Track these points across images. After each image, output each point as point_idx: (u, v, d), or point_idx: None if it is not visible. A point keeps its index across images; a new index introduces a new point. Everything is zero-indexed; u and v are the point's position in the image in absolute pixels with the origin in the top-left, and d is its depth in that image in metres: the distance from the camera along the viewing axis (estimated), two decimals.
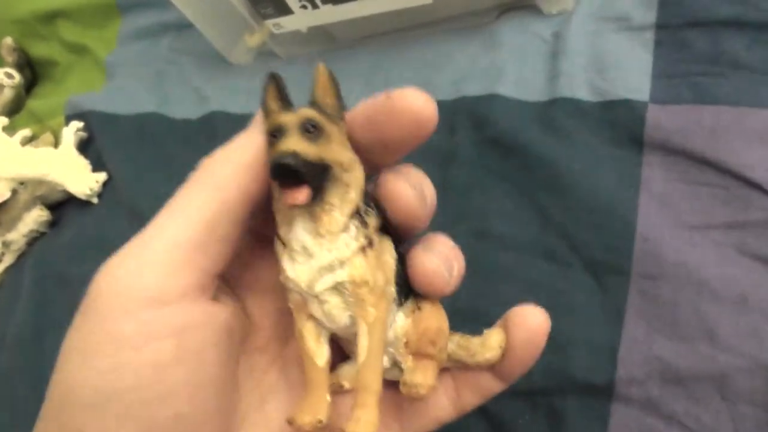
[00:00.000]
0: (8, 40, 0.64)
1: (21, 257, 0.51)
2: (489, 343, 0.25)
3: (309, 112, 0.21)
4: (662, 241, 0.31)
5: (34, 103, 0.63)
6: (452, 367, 0.25)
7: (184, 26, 0.57)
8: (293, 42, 0.49)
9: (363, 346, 0.21)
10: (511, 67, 0.40)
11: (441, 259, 0.22)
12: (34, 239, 0.51)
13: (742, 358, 0.28)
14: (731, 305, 0.29)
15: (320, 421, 0.21)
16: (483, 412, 0.32)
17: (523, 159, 0.36)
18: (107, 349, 0.18)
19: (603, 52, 0.37)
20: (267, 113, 0.22)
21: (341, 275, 0.21)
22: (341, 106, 0.22)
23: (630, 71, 0.36)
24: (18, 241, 0.50)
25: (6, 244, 0.50)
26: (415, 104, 0.20)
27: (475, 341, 0.25)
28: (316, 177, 0.20)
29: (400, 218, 0.22)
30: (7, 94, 0.61)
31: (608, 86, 0.36)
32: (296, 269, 0.21)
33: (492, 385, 0.25)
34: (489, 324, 0.33)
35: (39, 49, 0.67)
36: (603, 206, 0.33)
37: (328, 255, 0.21)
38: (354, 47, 0.48)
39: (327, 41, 0.49)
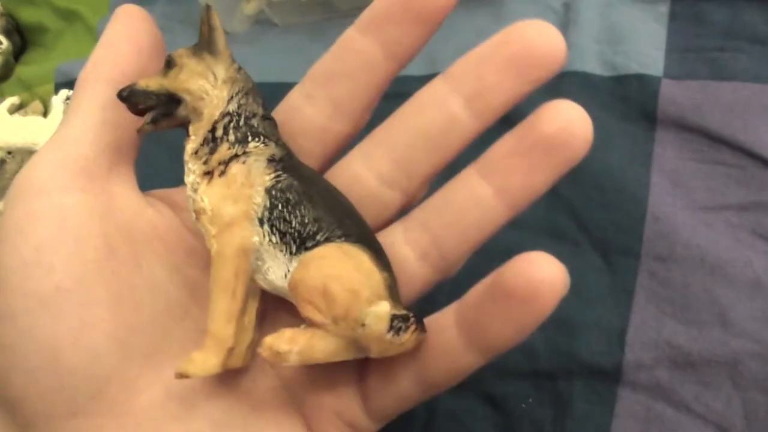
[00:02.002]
0: None
1: None
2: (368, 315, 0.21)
3: (176, 51, 0.22)
4: (674, 221, 0.30)
5: (22, 70, 0.61)
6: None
7: None
8: (291, 10, 0.48)
9: (210, 288, 0.21)
10: None
11: None
12: None
13: (755, 343, 0.27)
14: (745, 289, 0.28)
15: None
16: (485, 394, 0.31)
17: None
18: (5, 236, 0.20)
19: (615, 25, 0.36)
20: None
21: (194, 204, 0.22)
22: (212, 40, 0.22)
23: (643, 45, 0.34)
24: None
25: None
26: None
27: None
28: (165, 105, 0.22)
29: None
30: None
31: (620, 60, 0.34)
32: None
33: (468, 360, 0.21)
34: None
35: (28, 15, 0.65)
36: (613, 184, 0.32)
37: (187, 185, 0.22)
38: (355, 17, 0.46)
39: (327, 10, 0.48)
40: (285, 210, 0.21)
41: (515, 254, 0.32)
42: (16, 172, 0.49)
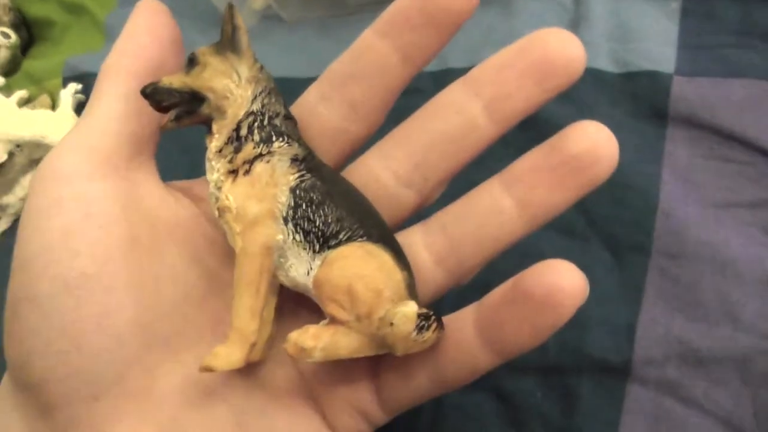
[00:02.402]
0: (4, 0, 0.62)
1: (17, 221, 0.50)
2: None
3: (198, 49, 0.22)
4: (685, 218, 0.30)
5: (30, 64, 0.61)
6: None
7: None
8: (299, 6, 0.48)
9: (234, 285, 0.22)
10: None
11: None
12: None
13: (766, 341, 0.27)
14: (756, 286, 0.28)
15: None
16: (494, 388, 0.31)
17: (540, 130, 0.35)
18: (28, 221, 0.21)
19: (626, 22, 0.36)
20: None
21: (218, 202, 0.22)
22: (235, 39, 0.22)
23: (654, 42, 0.34)
24: (15, 205, 0.49)
25: (2, 208, 0.49)
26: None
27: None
28: (188, 103, 0.22)
29: None
30: (3, 54, 0.59)
31: (631, 57, 0.34)
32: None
33: (483, 360, 0.21)
34: None
35: (35, 9, 0.65)
36: (624, 181, 0.32)
37: (210, 182, 0.22)
38: (364, 13, 0.46)
39: (334, 6, 0.48)
40: (309, 209, 0.21)
41: (525, 250, 0.32)
42: (25, 164, 0.49)
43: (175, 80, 0.22)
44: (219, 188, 0.22)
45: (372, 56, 0.22)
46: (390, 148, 0.23)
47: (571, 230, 0.32)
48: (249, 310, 0.21)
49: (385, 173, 0.23)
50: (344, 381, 0.23)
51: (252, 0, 0.50)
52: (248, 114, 0.22)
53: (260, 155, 0.22)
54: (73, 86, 0.52)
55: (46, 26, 0.65)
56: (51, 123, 0.49)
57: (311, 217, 0.21)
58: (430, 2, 0.21)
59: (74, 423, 0.20)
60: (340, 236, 0.21)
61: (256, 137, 0.22)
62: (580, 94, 0.35)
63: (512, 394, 0.30)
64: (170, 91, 0.22)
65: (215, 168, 0.22)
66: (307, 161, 0.22)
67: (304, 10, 0.48)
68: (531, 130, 0.36)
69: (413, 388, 0.22)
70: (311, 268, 0.21)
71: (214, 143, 0.22)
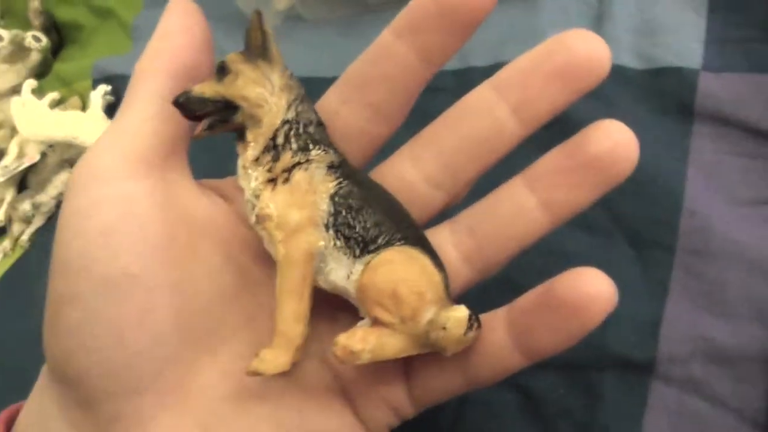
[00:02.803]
0: (35, 3, 0.63)
1: (50, 219, 0.51)
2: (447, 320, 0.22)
3: (228, 56, 0.22)
4: (711, 216, 0.30)
5: (61, 67, 0.62)
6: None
7: None
8: (321, 6, 0.48)
9: (276, 290, 0.22)
10: (553, 32, 0.37)
11: None
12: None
13: None
14: None
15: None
16: (515, 383, 0.31)
17: (563, 127, 0.35)
18: (68, 221, 0.21)
19: (652, 16, 0.35)
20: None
21: (256, 210, 0.22)
22: (265, 47, 0.22)
23: (681, 37, 0.34)
24: (47, 203, 0.50)
25: (36, 206, 0.50)
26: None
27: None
28: (221, 111, 0.22)
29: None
30: (35, 57, 0.61)
31: (657, 52, 0.34)
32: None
33: (513, 361, 0.22)
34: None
35: (65, 12, 0.66)
36: (648, 177, 0.32)
37: (247, 190, 0.22)
38: (385, 12, 0.46)
39: (356, 5, 0.48)
40: (349, 216, 0.22)
41: (549, 247, 0.32)
42: (57, 164, 0.50)
43: (207, 89, 0.22)
44: (257, 196, 0.22)
45: (391, 57, 0.22)
46: (419, 150, 0.24)
47: (595, 227, 0.32)
48: (294, 315, 0.22)
49: (415, 175, 0.24)
50: (377, 378, 0.23)
51: (276, 1, 0.50)
52: (284, 122, 0.22)
53: (298, 163, 0.22)
54: (103, 88, 0.53)
55: (75, 29, 0.66)
56: (82, 124, 0.50)
57: (351, 223, 0.22)
58: (447, 1, 0.21)
59: (115, 417, 0.21)
60: (379, 240, 0.22)
61: (294, 146, 0.22)
62: (603, 91, 0.35)
63: (535, 389, 0.31)
64: (203, 101, 0.22)
65: (252, 176, 0.22)
66: (342, 168, 0.23)
67: (326, 10, 0.49)
68: (553, 126, 0.35)
69: (444, 385, 0.23)
70: (351, 272, 0.22)
71: (250, 152, 0.22)
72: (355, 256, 0.22)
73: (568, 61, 0.21)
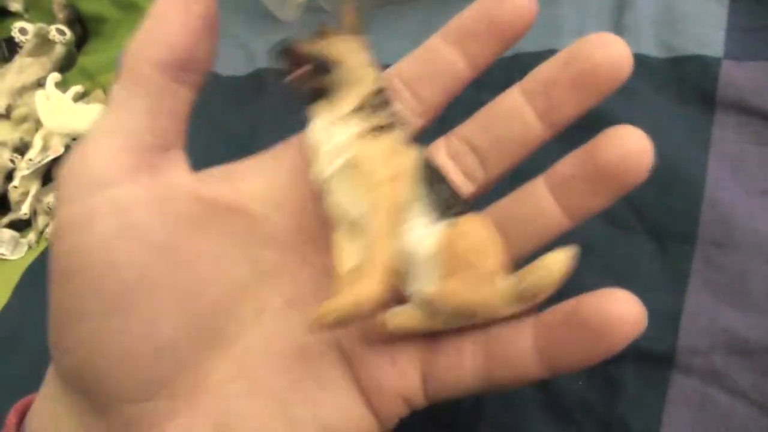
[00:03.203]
0: None
1: None
2: (546, 264, 0.22)
3: (321, 26, 0.23)
4: (733, 206, 0.30)
5: (85, 60, 0.63)
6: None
7: None
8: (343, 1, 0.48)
9: (367, 228, 0.22)
10: (572, 22, 0.38)
11: None
12: None
13: None
14: None
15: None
16: None
17: (583, 118, 0.35)
18: (62, 233, 0.20)
19: (672, 5, 0.35)
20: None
21: (341, 159, 0.22)
22: (358, 29, 0.24)
23: (702, 25, 0.34)
24: None
25: None
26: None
27: (529, 268, 0.23)
28: (318, 68, 0.23)
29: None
30: (59, 50, 0.62)
31: (678, 41, 0.34)
32: (315, 160, 0.23)
33: (534, 372, 0.22)
34: None
35: (89, 6, 0.67)
36: (669, 167, 0.31)
37: (334, 140, 0.23)
38: (403, 4, 0.46)
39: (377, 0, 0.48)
40: (430, 182, 0.23)
41: (571, 239, 0.32)
42: None
43: (307, 46, 0.23)
44: (345, 147, 0.23)
45: (440, 60, 0.24)
46: (456, 146, 0.25)
47: (617, 218, 0.32)
48: (381, 261, 0.22)
49: (454, 167, 0.25)
50: (393, 370, 0.23)
51: None
52: (378, 90, 0.23)
53: (390, 125, 0.23)
54: None
55: (100, 22, 0.67)
56: None
57: (432, 188, 0.23)
58: (496, 16, 0.23)
59: (130, 422, 0.21)
60: (453, 210, 0.23)
61: (387, 110, 0.23)
62: (626, 81, 0.35)
63: (555, 381, 0.31)
64: (304, 55, 0.23)
65: (340, 132, 0.23)
66: (416, 140, 0.24)
67: (350, 2, 0.49)
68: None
69: (461, 384, 0.23)
70: (426, 235, 0.22)
71: (344, 108, 0.23)
72: (432, 221, 0.23)
73: (589, 69, 0.22)
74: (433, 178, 0.23)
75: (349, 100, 0.23)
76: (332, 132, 0.23)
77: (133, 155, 0.21)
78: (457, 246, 0.22)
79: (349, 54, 0.23)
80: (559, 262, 0.22)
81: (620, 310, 0.20)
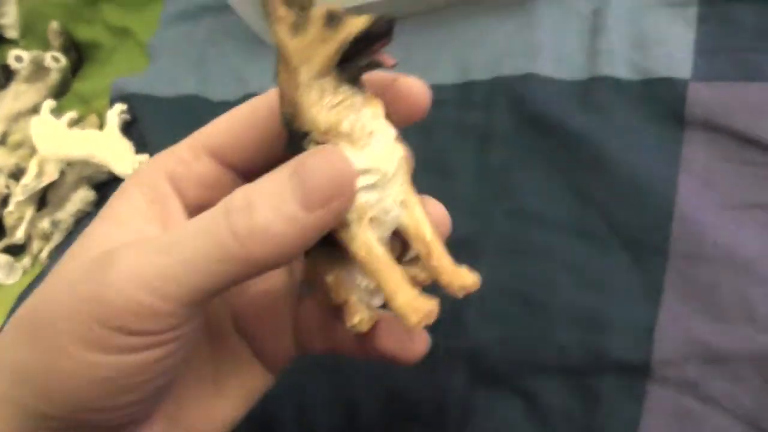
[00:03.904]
0: (54, 25, 0.65)
1: (69, 236, 0.53)
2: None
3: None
4: (703, 220, 0.31)
5: (80, 86, 0.64)
6: None
7: (222, 8, 0.57)
8: None
9: (423, 221, 0.22)
10: (550, 46, 0.39)
11: None
12: (81, 218, 0.53)
13: None
14: None
15: (436, 311, 0.21)
16: (518, 389, 0.32)
17: (561, 138, 0.36)
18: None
19: (644, 29, 0.36)
20: (280, 18, 0.21)
21: (399, 151, 0.22)
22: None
23: (672, 48, 0.35)
24: (66, 220, 0.51)
25: (55, 223, 0.51)
26: (414, 92, 0.23)
27: None
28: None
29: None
30: (54, 77, 0.63)
31: (649, 64, 0.35)
32: (373, 155, 0.21)
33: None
34: (526, 302, 0.33)
35: (83, 32, 0.68)
36: (642, 185, 0.33)
37: (390, 133, 0.22)
38: (410, 16, 0.47)
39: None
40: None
41: (549, 255, 0.33)
42: (75, 182, 0.52)
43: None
44: (396, 140, 0.22)
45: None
46: None
47: (592, 235, 0.33)
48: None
49: None
50: (273, 325, 0.27)
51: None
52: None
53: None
54: (119, 107, 0.55)
55: (94, 48, 0.68)
56: (99, 142, 0.52)
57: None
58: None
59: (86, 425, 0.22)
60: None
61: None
62: (599, 102, 0.36)
63: (536, 394, 0.31)
64: None
65: (389, 123, 0.22)
66: None
67: None
68: (551, 137, 0.37)
69: (323, 342, 0.26)
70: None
71: (378, 101, 0.22)
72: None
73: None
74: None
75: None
76: (383, 125, 0.21)
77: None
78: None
79: None
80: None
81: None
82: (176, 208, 0.23)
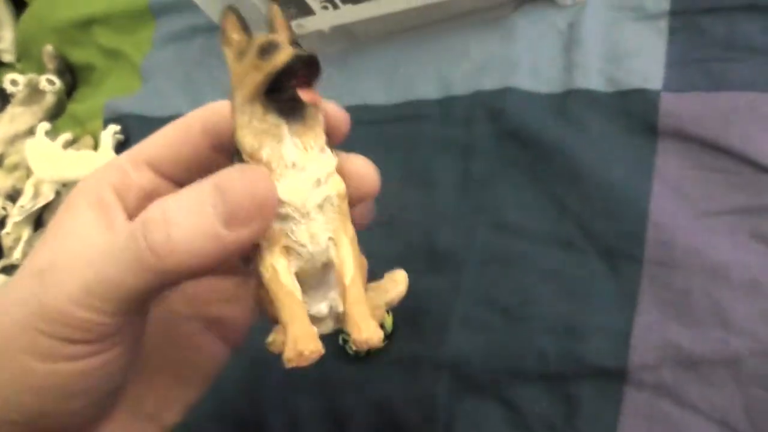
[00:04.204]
0: (49, 48, 0.66)
1: None
2: (396, 278, 0.25)
3: (291, 33, 0.22)
4: (675, 228, 0.31)
5: (74, 107, 0.65)
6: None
7: (214, 28, 0.58)
8: (316, 41, 0.50)
9: (348, 262, 0.22)
10: (526, 60, 0.40)
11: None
12: None
13: (755, 342, 0.28)
14: (744, 290, 0.29)
15: (320, 351, 0.21)
16: (500, 397, 0.33)
17: (539, 150, 0.37)
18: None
19: (617, 42, 0.37)
20: (230, 41, 0.22)
21: (329, 188, 0.22)
22: (295, 42, 0.22)
23: (644, 60, 0.36)
24: None
25: None
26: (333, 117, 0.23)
27: (384, 282, 0.25)
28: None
29: (360, 194, 0.24)
30: (49, 99, 0.64)
31: (622, 76, 0.36)
32: (289, 188, 0.21)
33: None
34: (507, 312, 0.34)
35: (78, 55, 0.69)
36: (617, 195, 0.33)
37: (318, 168, 0.21)
38: (374, 45, 0.49)
39: (348, 40, 0.51)
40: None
41: (526, 264, 0.34)
42: None
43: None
44: (327, 177, 0.22)
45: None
46: None
47: (569, 243, 0.34)
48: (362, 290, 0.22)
49: None
50: (228, 299, 0.28)
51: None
52: None
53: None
54: (113, 128, 0.56)
55: (88, 70, 0.70)
56: (93, 163, 0.53)
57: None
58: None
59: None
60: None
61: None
62: (575, 114, 0.37)
63: (518, 401, 0.32)
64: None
65: (327, 158, 0.22)
66: None
67: (320, 45, 0.51)
68: (529, 149, 0.38)
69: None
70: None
71: (320, 135, 0.22)
72: None
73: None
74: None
75: (319, 128, 0.22)
76: (311, 159, 0.21)
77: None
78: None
79: None
80: (404, 278, 0.25)
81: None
82: (120, 217, 0.23)
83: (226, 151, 0.24)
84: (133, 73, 0.65)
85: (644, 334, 0.30)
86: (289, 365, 0.21)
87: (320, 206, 0.22)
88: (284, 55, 0.20)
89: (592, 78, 0.37)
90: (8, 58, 0.74)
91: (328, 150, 0.22)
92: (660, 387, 0.30)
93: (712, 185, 0.32)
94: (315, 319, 0.23)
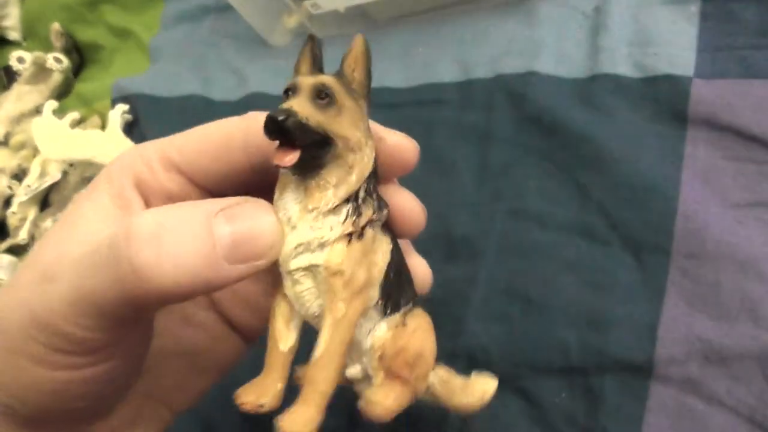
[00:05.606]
0: (56, 26, 0.65)
1: None
2: (472, 389, 0.25)
3: (327, 79, 0.20)
4: (705, 219, 0.31)
5: (81, 87, 0.65)
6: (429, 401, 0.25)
7: (224, 8, 0.57)
8: (331, 22, 0.49)
9: (322, 341, 0.20)
10: (551, 44, 0.39)
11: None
12: None
13: None
14: None
15: (261, 405, 0.21)
16: (520, 389, 0.32)
17: (562, 137, 0.36)
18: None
19: (646, 27, 0.36)
20: (297, 70, 0.22)
21: (318, 258, 0.20)
22: (368, 84, 0.21)
23: (674, 46, 0.35)
24: None
25: None
26: (403, 151, 0.23)
27: (457, 381, 0.25)
28: (313, 145, 0.19)
29: (404, 231, 0.23)
30: (56, 78, 0.63)
31: (651, 61, 0.35)
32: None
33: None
34: (527, 302, 0.33)
35: (85, 34, 0.68)
36: (644, 184, 0.32)
37: (309, 232, 0.20)
38: (391, 27, 0.48)
39: (364, 21, 0.49)
40: (394, 277, 0.22)
41: (550, 253, 0.33)
42: (78, 182, 0.52)
43: (311, 117, 0.19)
44: (322, 245, 0.20)
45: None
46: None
47: (594, 234, 0.33)
48: (337, 374, 0.21)
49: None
50: (249, 298, 0.27)
51: (286, 19, 0.52)
52: (370, 176, 0.21)
53: (371, 221, 0.21)
54: (121, 107, 0.55)
55: (96, 50, 0.69)
56: (101, 143, 0.52)
57: (393, 284, 0.22)
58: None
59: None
60: (402, 302, 0.23)
61: (374, 203, 0.21)
62: (601, 100, 0.36)
63: (538, 394, 0.31)
64: (307, 130, 0.19)
65: (327, 225, 0.20)
66: (386, 224, 0.22)
67: (335, 27, 0.50)
68: (552, 136, 0.37)
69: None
70: (374, 329, 0.22)
71: (330, 198, 0.20)
72: (383, 315, 0.22)
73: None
74: (397, 268, 0.22)
75: (335, 188, 0.20)
76: (315, 223, 0.20)
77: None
78: (405, 351, 0.22)
79: (351, 129, 0.20)
80: (485, 387, 0.25)
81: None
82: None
83: (262, 172, 0.22)
84: (141, 52, 0.64)
85: (671, 328, 0.30)
86: (240, 407, 0.21)
87: (309, 270, 0.21)
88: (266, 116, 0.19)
89: (620, 63, 0.36)
90: (14, 36, 0.73)
91: (342, 214, 0.20)
92: (687, 382, 0.29)
93: (744, 175, 0.31)
94: (355, 380, 0.23)
